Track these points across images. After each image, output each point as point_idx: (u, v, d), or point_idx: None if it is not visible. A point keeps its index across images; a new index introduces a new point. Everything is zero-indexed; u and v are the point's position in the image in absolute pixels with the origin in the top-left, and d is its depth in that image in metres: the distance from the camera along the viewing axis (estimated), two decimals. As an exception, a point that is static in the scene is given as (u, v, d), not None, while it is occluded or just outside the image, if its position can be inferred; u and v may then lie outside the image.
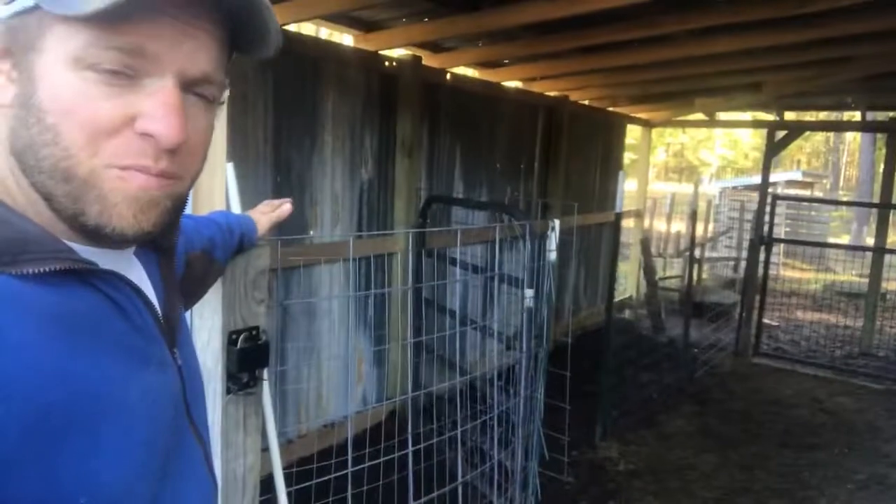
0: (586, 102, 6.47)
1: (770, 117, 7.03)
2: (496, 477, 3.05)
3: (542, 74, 5.13)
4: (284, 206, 1.47)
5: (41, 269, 0.55)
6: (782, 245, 10.62)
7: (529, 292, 3.03)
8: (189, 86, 0.61)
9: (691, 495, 3.65)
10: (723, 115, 7.60)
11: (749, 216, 9.15)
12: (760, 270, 6.39)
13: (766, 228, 6.29)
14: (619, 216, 4.08)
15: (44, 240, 0.57)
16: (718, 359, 6.03)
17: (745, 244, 8.13)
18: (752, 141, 30.31)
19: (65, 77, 0.56)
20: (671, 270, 10.32)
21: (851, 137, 31.00)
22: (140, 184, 0.60)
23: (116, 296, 0.64)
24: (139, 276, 0.74)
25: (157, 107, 0.58)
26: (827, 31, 3.56)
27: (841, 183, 33.00)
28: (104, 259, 0.64)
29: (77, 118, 0.56)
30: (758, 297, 6.43)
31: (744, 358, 6.26)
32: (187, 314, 1.34)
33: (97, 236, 0.61)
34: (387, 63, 3.96)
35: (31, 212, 0.60)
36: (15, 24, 0.58)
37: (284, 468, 2.07)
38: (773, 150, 6.48)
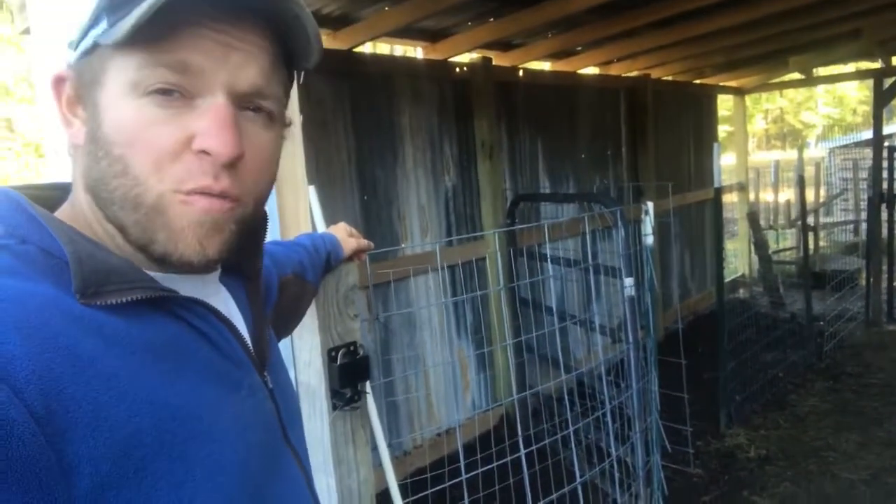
0: (670, 78, 6.21)
1: (875, 65, 6.47)
2: (617, 474, 2.96)
3: (618, 56, 4.96)
4: (369, 242, 1.49)
5: (124, 300, 0.56)
6: (908, 200, 9.72)
7: (629, 281, 2.92)
8: (242, 101, 0.62)
9: (834, 478, 3.39)
10: (821, 71, 7.09)
11: (864, 175, 8.46)
12: (885, 231, 5.89)
13: (885, 185, 5.80)
14: (718, 191, 3.87)
15: (125, 270, 0.59)
16: (848, 330, 5.60)
17: (864, 205, 7.51)
18: (858, 94, 28.14)
19: (125, 105, 0.58)
20: (785, 242, 9.71)
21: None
22: (203, 206, 0.60)
23: (200, 323, 0.65)
24: (225, 302, 0.75)
25: (209, 123, 0.59)
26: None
27: (970, 125, 29.94)
28: (187, 287, 0.65)
29: (141, 146, 0.58)
30: (885, 260, 5.92)
31: (877, 327, 5.78)
32: (288, 337, 1.38)
33: (165, 264, 0.62)
34: (457, 69, 3.97)
35: (110, 245, 0.62)
36: (82, 66, 0.61)
37: (401, 480, 2.10)
38: (882, 99, 5.97)
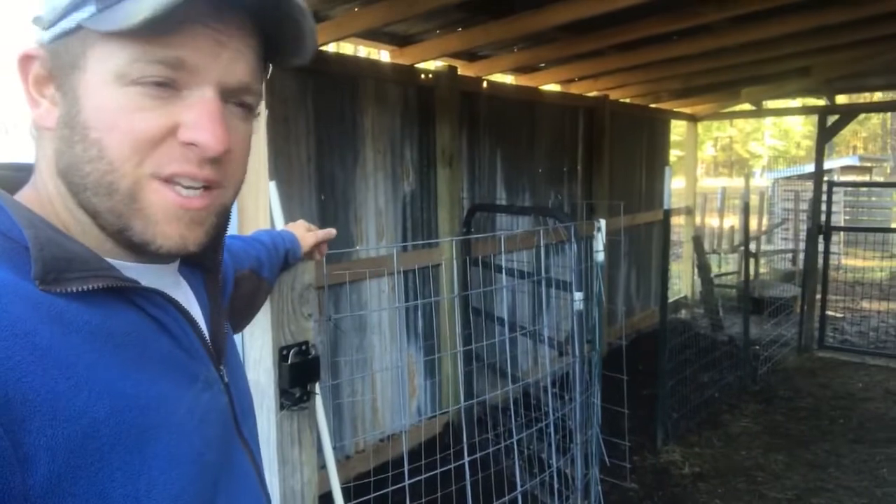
0: (627, 100, 6.37)
1: (820, 102, 6.78)
2: (556, 485, 3.00)
3: (580, 75, 5.07)
4: (330, 229, 1.49)
5: (84, 288, 0.56)
6: (842, 233, 10.20)
7: (579, 295, 2.98)
8: (228, 95, 0.62)
9: (761, 497, 3.51)
10: (770, 104, 7.37)
11: (804, 206, 8.84)
12: (820, 261, 6.16)
13: (823, 217, 6.07)
14: (667, 213, 3.98)
15: (87, 259, 0.58)
16: (781, 355, 5.82)
17: (802, 235, 7.85)
18: (803, 129, 29.44)
19: (109, 93, 0.57)
20: (727, 266, 10.05)
21: (910, 118, 29.64)
22: (180, 203, 0.60)
23: (159, 314, 0.64)
24: (185, 294, 0.75)
25: (199, 117, 0.59)
26: (877, 7, 3.40)
27: (902, 166, 31.60)
28: (148, 277, 0.64)
29: (121, 131, 0.57)
30: (819, 289, 6.19)
31: (808, 352, 6.03)
32: (239, 333, 1.37)
33: (143, 252, 0.62)
34: (423, 76, 3.98)
35: (77, 231, 0.61)
36: (57, 47, 0.59)
37: (343, 483, 2.08)
38: (825, 135, 6.25)
